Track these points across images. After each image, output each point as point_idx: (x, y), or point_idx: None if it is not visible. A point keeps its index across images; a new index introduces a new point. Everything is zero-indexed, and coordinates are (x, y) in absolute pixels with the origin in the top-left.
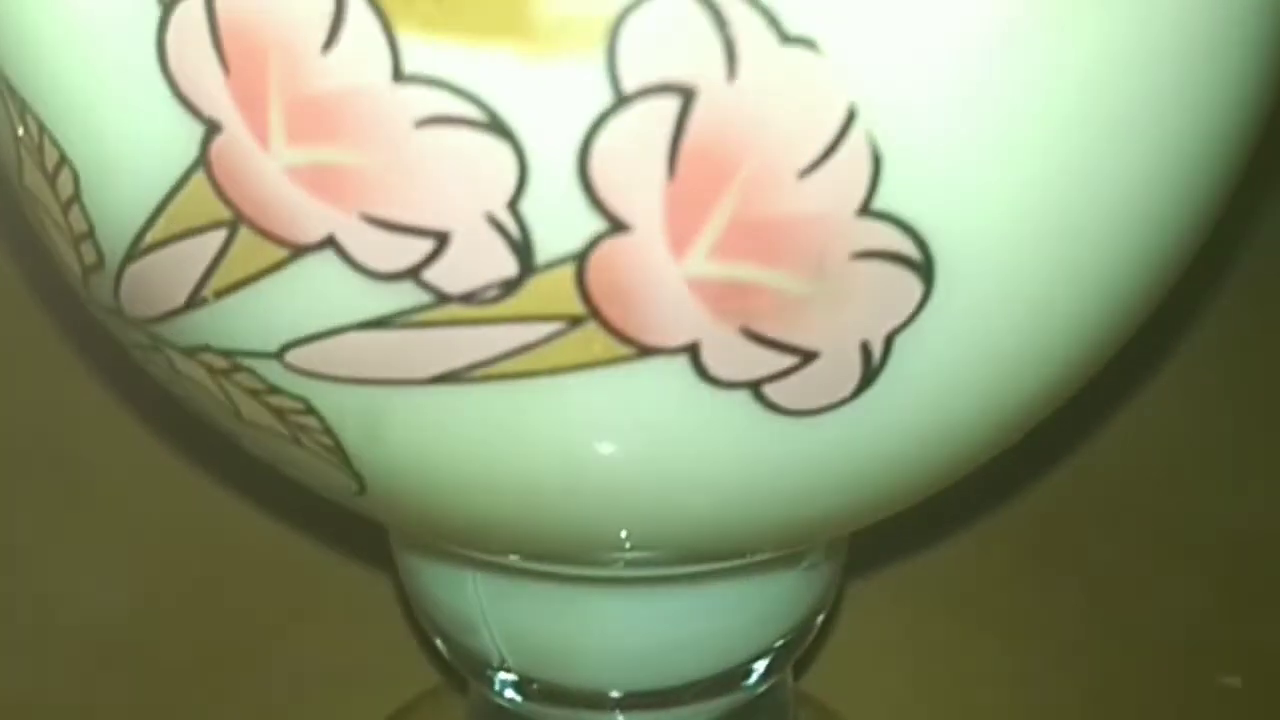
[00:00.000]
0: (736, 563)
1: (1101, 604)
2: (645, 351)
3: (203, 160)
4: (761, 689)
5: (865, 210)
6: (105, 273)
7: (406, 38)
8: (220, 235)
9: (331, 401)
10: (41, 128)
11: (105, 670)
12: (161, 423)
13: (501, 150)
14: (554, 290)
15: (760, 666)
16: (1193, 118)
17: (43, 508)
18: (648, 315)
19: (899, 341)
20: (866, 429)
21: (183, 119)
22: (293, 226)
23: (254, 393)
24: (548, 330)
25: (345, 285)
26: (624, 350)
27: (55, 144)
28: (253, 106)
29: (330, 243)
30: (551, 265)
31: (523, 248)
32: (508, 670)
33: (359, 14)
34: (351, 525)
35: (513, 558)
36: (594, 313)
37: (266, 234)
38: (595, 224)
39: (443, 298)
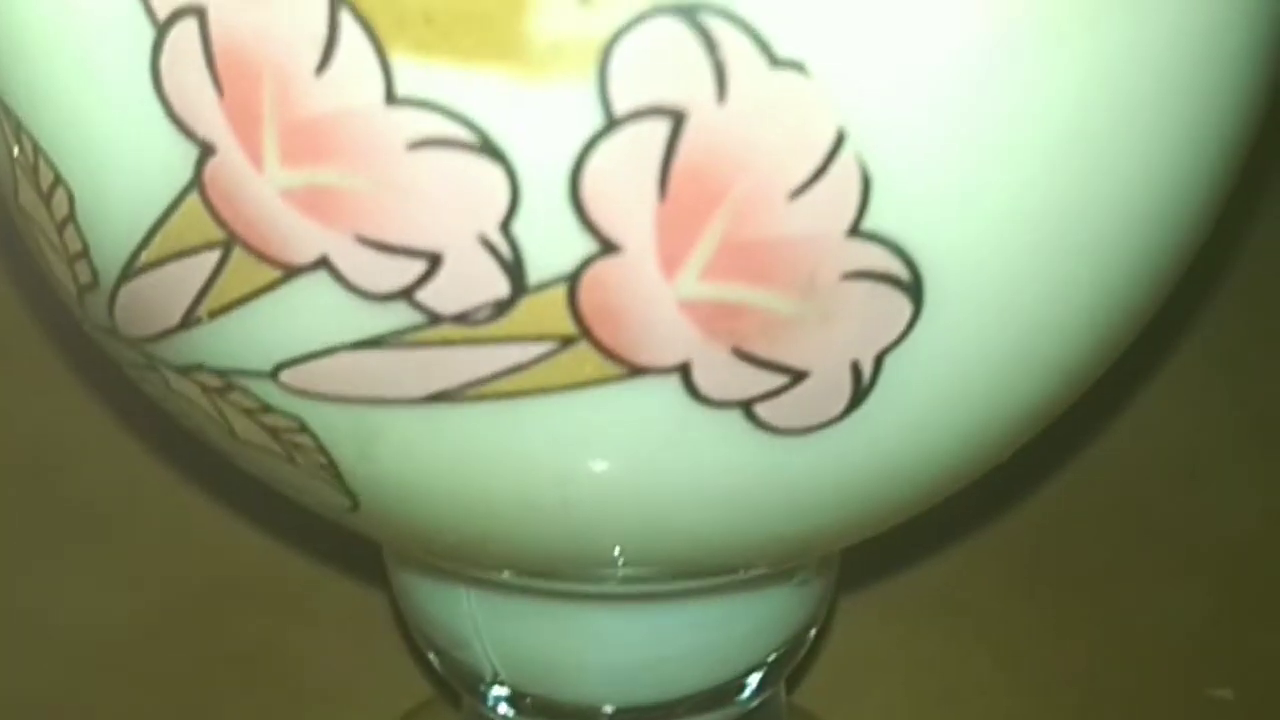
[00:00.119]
0: (729, 578)
1: (1094, 617)
2: (637, 371)
3: (197, 181)
4: (755, 703)
5: (855, 231)
6: (100, 292)
7: (399, 60)
8: (214, 256)
9: (325, 420)
10: (36, 148)
11: (101, 684)
12: (158, 438)
13: (493, 172)
14: (546, 310)
15: (753, 681)
16: (1182, 137)
17: (40, 522)
18: (639, 335)
19: (889, 361)
20: (857, 447)
21: (177, 140)
22: (286, 247)
23: (248, 411)
24: (540, 350)
25: (339, 305)
26: (616, 370)
27: (50, 164)
28: (247, 128)
29: (324, 263)
30: (543, 286)
31: (515, 268)
32: (501, 684)
33: (352, 37)
34: (346, 539)
35: (506, 574)
36: (586, 333)
37: (260, 254)
38: (587, 245)
39: (435, 318)
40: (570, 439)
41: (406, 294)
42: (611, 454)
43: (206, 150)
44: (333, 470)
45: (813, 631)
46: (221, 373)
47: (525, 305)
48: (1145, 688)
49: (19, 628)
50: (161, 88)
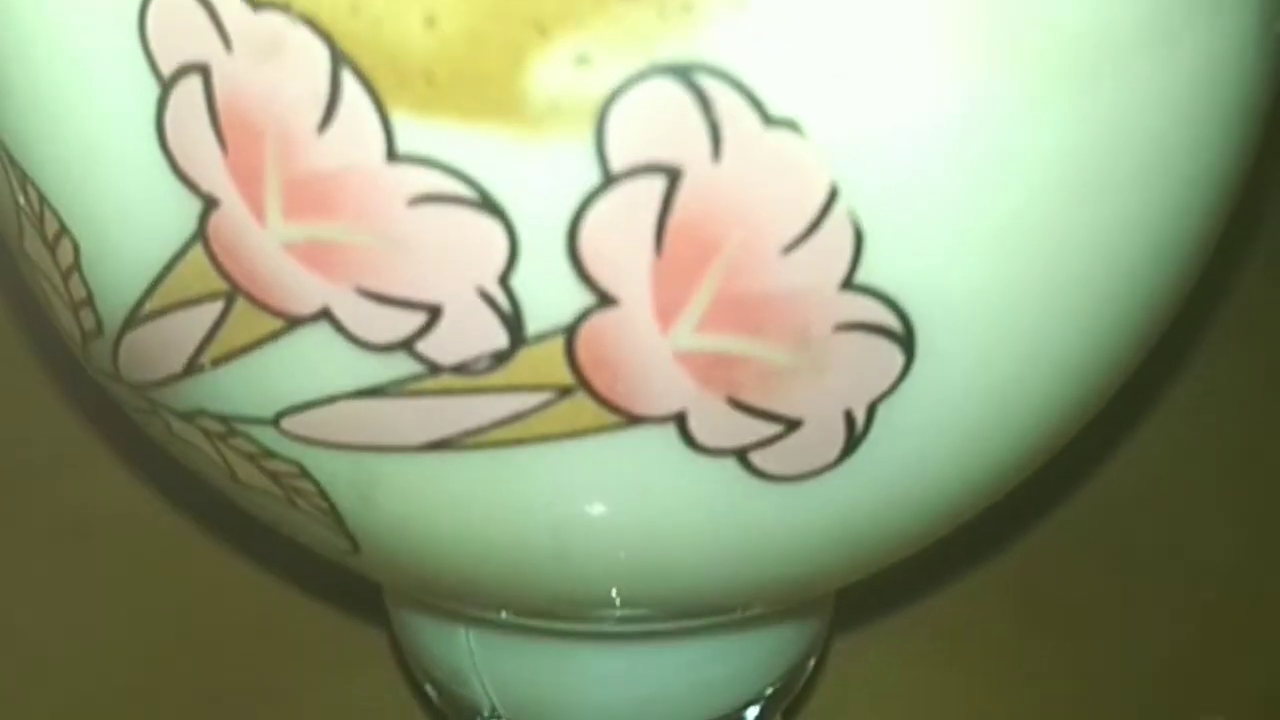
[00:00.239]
0: (726, 618)
1: (1089, 652)
2: (633, 420)
3: (200, 234)
4: None
5: (847, 284)
6: (104, 339)
7: (399, 118)
8: (217, 306)
9: (326, 467)
10: (42, 198)
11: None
12: (159, 477)
13: (493, 227)
14: (544, 361)
15: (751, 714)
16: (1168, 189)
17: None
18: (636, 386)
19: (881, 410)
20: (851, 493)
21: (181, 194)
22: (288, 299)
23: (250, 457)
24: (538, 400)
25: (339, 355)
26: (613, 419)
27: (55, 214)
28: (250, 183)
29: (325, 314)
30: (541, 338)
31: (513, 321)
32: (498, 719)
33: (353, 95)
34: (346, 576)
35: (504, 614)
36: (583, 383)
37: (263, 305)
38: (584, 298)
39: (435, 368)
40: (568, 486)
41: (407, 345)
42: (608, 501)
43: (210, 204)
44: (333, 514)
45: (811, 663)
46: (223, 419)
47: (523, 356)
48: (1141, 717)
49: (14, 666)
50: (166, 143)
